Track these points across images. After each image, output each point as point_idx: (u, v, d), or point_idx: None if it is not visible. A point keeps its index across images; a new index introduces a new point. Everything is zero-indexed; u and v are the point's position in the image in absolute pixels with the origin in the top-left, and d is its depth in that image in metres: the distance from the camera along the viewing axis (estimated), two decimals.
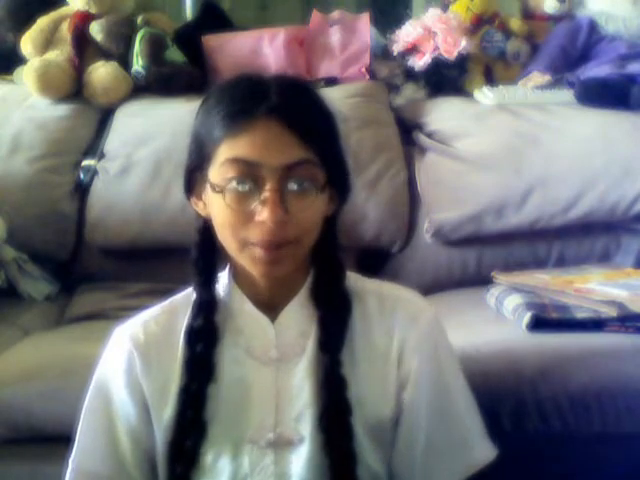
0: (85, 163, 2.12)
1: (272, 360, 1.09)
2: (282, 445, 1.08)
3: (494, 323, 1.60)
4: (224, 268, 1.13)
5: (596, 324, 1.48)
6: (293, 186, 1.01)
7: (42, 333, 1.79)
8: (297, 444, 1.08)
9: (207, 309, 1.10)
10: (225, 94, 1.06)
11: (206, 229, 1.09)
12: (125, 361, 1.11)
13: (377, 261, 2.02)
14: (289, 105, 1.03)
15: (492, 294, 1.69)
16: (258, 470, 1.08)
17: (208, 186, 1.04)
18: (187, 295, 1.14)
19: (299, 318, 1.10)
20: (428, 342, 1.11)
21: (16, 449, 1.47)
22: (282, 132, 1.00)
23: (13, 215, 1.96)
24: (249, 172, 1.00)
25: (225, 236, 1.05)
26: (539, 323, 1.49)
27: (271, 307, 1.11)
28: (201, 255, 1.11)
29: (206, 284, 1.11)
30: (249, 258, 1.03)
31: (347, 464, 1.07)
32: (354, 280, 1.15)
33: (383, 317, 1.11)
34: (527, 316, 1.50)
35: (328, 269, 1.11)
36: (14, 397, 1.47)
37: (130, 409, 1.11)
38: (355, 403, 1.07)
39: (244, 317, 1.11)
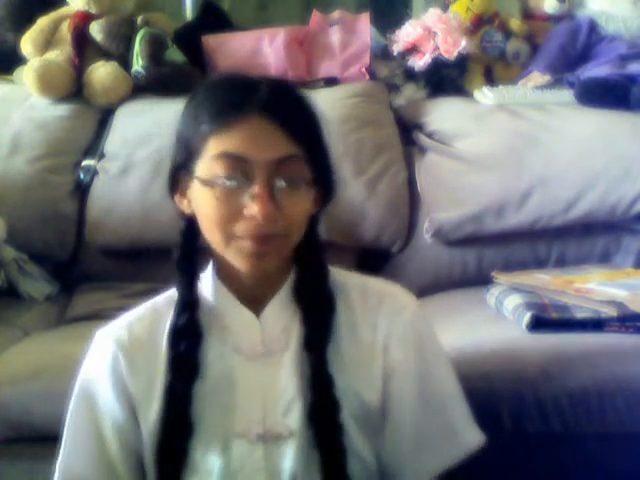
0: (85, 163, 2.12)
1: (258, 355, 1.10)
2: (271, 439, 1.08)
3: (494, 323, 1.60)
4: (207, 266, 1.13)
5: (596, 324, 1.48)
6: (282, 181, 1.02)
7: (42, 333, 1.79)
8: (286, 438, 1.08)
9: (190, 308, 1.10)
10: (214, 90, 1.08)
11: (190, 229, 1.11)
12: (110, 363, 1.11)
13: (377, 261, 2.02)
14: (279, 103, 1.04)
15: (492, 294, 1.69)
16: (248, 465, 1.08)
17: (195, 181, 1.05)
18: (170, 296, 1.15)
19: (282, 314, 1.11)
20: (412, 334, 1.13)
21: (15, 448, 1.47)
22: (271, 129, 1.02)
23: (13, 215, 1.96)
24: (239, 167, 1.02)
25: (212, 230, 1.05)
26: (539, 323, 1.49)
27: (255, 302, 1.11)
28: (185, 256, 1.13)
29: (189, 284, 1.11)
30: (236, 251, 1.04)
31: (338, 459, 1.07)
32: (337, 274, 1.15)
33: (367, 310, 1.13)
34: (527, 316, 1.50)
35: (311, 268, 1.12)
36: (14, 397, 1.47)
37: (117, 410, 1.11)
38: (342, 394, 1.08)
39: (229, 313, 1.11)
